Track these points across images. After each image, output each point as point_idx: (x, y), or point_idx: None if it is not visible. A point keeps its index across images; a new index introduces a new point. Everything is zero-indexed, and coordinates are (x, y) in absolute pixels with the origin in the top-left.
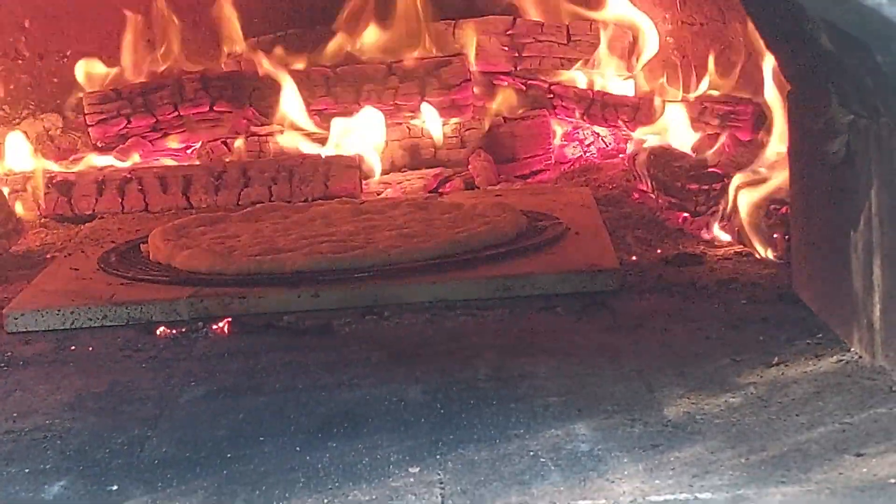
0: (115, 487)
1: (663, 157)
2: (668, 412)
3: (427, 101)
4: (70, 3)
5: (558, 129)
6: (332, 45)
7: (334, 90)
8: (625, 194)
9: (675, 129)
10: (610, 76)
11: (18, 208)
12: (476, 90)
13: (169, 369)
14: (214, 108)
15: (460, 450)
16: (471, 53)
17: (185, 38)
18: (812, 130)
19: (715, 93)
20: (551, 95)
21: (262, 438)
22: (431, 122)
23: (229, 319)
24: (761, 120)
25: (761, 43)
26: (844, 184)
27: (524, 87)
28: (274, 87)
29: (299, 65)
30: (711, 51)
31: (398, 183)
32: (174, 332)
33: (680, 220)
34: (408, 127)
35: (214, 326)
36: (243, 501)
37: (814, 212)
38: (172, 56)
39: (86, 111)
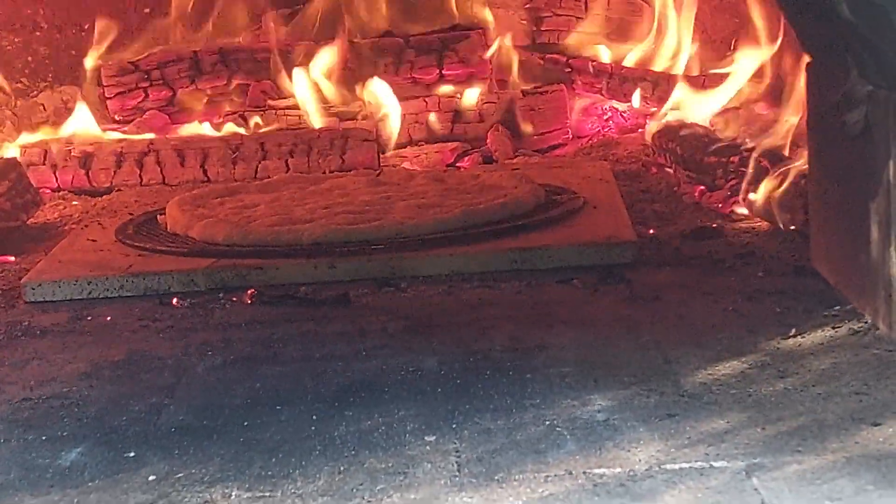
0: (132, 454)
1: (681, 130)
2: (684, 382)
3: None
4: None
5: (577, 103)
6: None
7: (351, 63)
8: (643, 169)
9: (694, 103)
10: (630, 51)
11: None
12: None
13: (186, 339)
14: (232, 81)
15: (476, 419)
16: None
17: (203, 12)
18: (830, 102)
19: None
20: (569, 70)
21: (278, 407)
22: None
23: (252, 291)
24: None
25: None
26: (862, 155)
27: (542, 61)
28: (290, 61)
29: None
30: (731, 25)
31: (415, 156)
32: (191, 302)
33: (697, 194)
34: (425, 100)
35: (234, 297)
36: (259, 469)
37: (831, 184)
38: (190, 29)
39: (104, 84)
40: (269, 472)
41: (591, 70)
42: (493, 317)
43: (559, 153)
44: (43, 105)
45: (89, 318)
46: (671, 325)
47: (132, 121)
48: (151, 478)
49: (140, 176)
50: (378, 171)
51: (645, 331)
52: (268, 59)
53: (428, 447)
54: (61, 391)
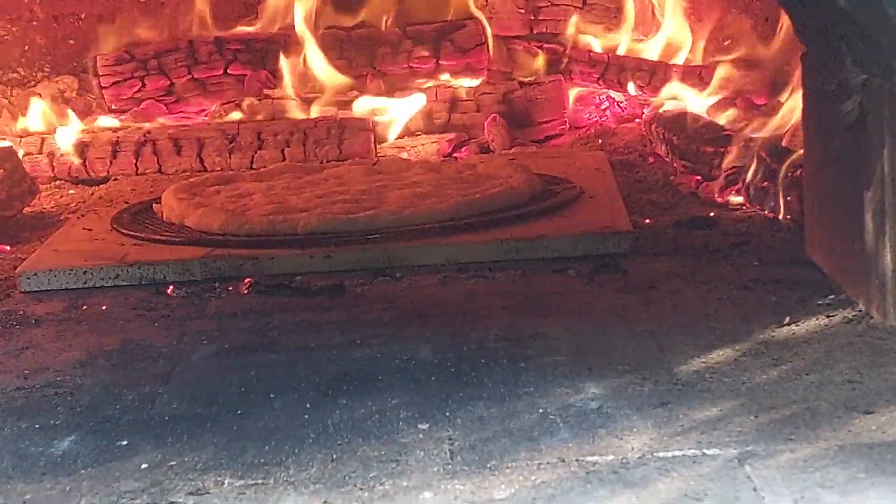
0: (125, 442)
1: (678, 120)
2: (678, 371)
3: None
4: None
5: (574, 93)
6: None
7: (348, 53)
8: (640, 159)
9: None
10: (626, 40)
11: None
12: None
13: (181, 328)
14: (228, 71)
15: (470, 407)
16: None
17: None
18: (826, 91)
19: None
20: (567, 60)
21: (272, 395)
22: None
23: (249, 280)
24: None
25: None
26: (857, 144)
27: (540, 51)
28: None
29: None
30: (727, 15)
31: (412, 147)
32: (187, 291)
33: (693, 184)
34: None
35: (229, 287)
36: (252, 457)
37: (827, 173)
38: (187, 19)
39: (100, 73)
40: (262, 460)
41: (589, 60)
42: (487, 306)
43: (556, 143)
44: (40, 95)
45: (84, 307)
46: (666, 313)
47: (129, 110)
48: (144, 466)
49: (136, 165)
50: (374, 161)
51: (639, 320)
52: (264, 48)
53: (421, 435)
54: (55, 380)
